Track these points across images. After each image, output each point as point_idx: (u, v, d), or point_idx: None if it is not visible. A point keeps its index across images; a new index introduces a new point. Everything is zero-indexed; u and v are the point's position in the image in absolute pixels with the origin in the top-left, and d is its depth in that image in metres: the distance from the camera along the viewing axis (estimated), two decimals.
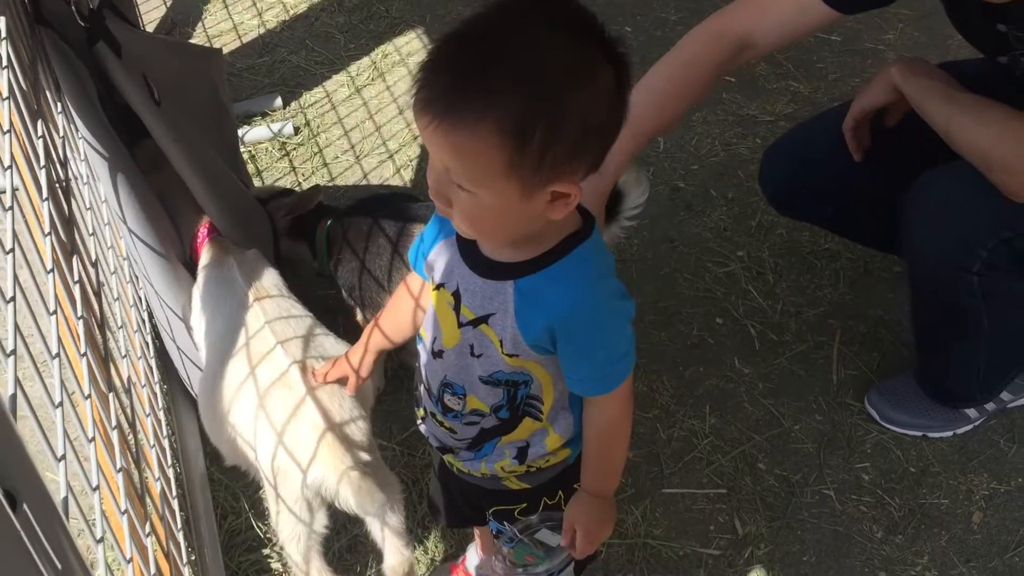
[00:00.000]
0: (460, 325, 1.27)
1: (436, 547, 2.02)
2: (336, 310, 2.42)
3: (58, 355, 1.03)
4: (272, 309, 1.79)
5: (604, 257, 1.23)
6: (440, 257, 1.31)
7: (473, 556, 1.92)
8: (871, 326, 2.44)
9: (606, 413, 1.29)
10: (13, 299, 0.88)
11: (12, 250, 0.92)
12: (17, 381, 0.83)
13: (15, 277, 0.90)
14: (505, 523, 1.46)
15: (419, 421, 1.48)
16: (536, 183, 1.06)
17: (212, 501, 2.06)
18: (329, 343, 1.78)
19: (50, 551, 0.71)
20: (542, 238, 1.18)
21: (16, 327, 0.89)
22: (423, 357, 1.39)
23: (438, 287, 1.30)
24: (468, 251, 1.24)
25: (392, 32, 3.44)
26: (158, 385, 1.94)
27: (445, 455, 1.44)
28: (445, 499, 1.62)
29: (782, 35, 1.86)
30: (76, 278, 1.29)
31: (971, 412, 2.16)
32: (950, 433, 2.18)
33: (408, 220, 2.04)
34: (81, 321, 1.24)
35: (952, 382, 2.11)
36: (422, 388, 1.42)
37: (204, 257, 2.00)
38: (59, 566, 0.72)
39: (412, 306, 1.47)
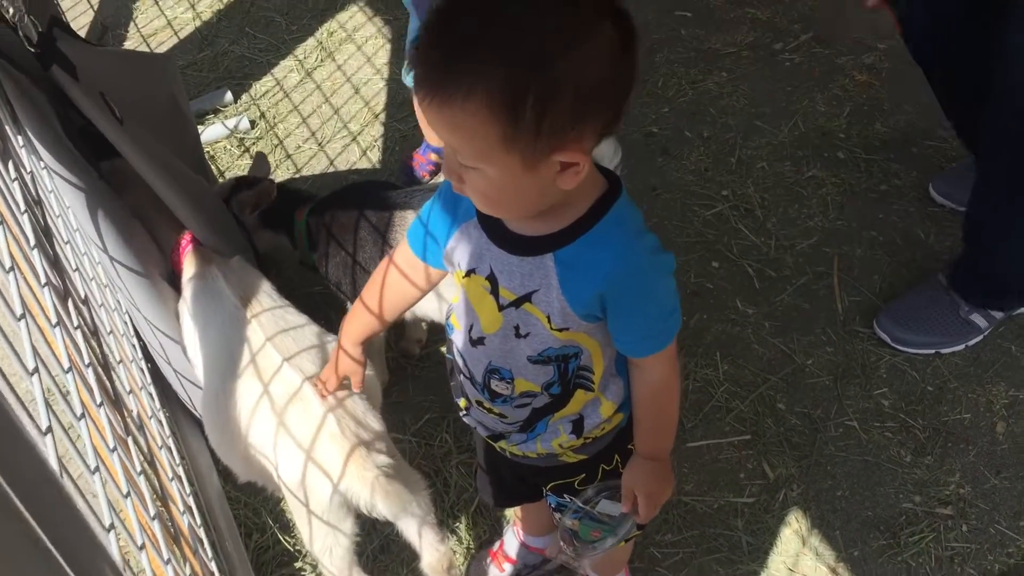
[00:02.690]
0: (501, 308, 1.21)
1: (469, 535, 1.98)
2: (326, 304, 2.35)
3: (83, 415, 0.95)
4: (270, 323, 1.72)
5: (636, 213, 1.18)
6: (462, 243, 1.24)
7: (512, 540, 1.88)
8: (867, 249, 2.43)
9: (656, 372, 1.25)
10: (36, 371, 0.80)
11: (23, 316, 0.85)
12: (58, 459, 0.76)
13: (32, 347, 0.82)
14: (567, 496, 1.43)
15: (463, 412, 1.42)
16: (538, 154, 1.00)
17: (234, 520, 1.99)
18: (334, 347, 1.71)
19: None
20: (571, 205, 1.13)
21: (44, 397, 0.82)
22: (460, 346, 1.33)
23: (468, 274, 1.24)
24: (496, 231, 1.18)
25: (334, 8, 3.32)
26: (161, 412, 1.86)
27: (496, 442, 1.39)
28: (494, 482, 1.58)
29: None
30: (76, 323, 1.21)
31: (980, 322, 2.16)
32: (962, 346, 2.17)
33: (391, 209, 1.96)
34: (90, 369, 1.16)
35: (1002, 273, 2.11)
36: (461, 378, 1.36)
37: (187, 269, 1.91)
38: None
39: (402, 281, 1.40)
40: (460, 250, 1.25)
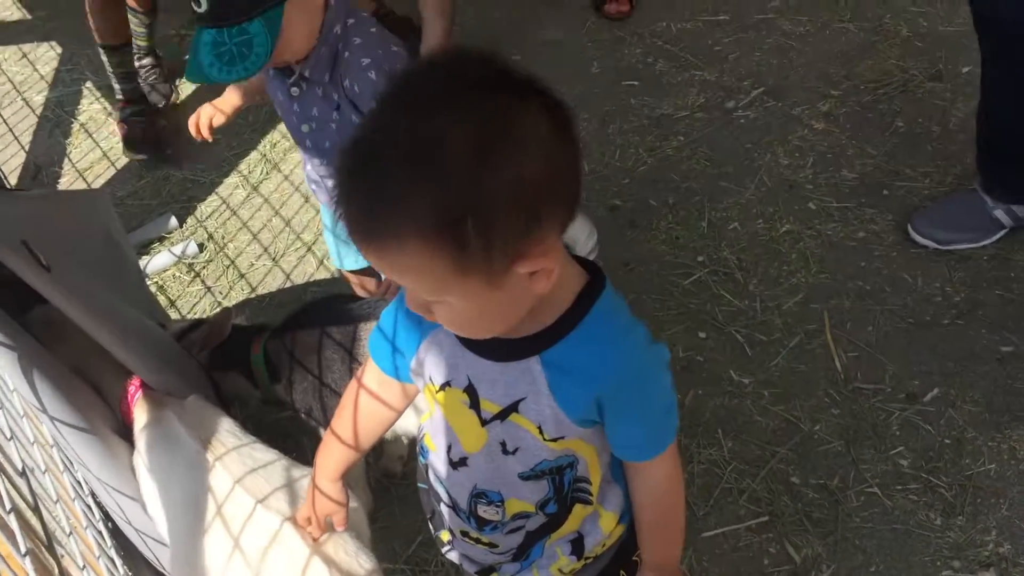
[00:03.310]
0: (484, 423, 1.08)
1: None
2: (298, 431, 2.19)
3: None
4: (236, 464, 1.56)
5: (622, 304, 1.06)
6: (433, 354, 1.11)
7: None
8: (855, 300, 2.32)
9: (659, 474, 1.13)
10: None
11: None
12: None
13: None
14: None
15: (445, 547, 1.28)
16: (498, 271, 0.87)
17: None
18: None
19: None
20: (553, 302, 1.00)
21: None
22: (439, 471, 1.19)
23: (442, 387, 1.11)
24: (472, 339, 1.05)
25: (274, 119, 3.22)
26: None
27: None
28: None
29: None
30: (8, 507, 1.05)
31: (1004, 219, 2.31)
32: (990, 240, 2.36)
33: (355, 321, 1.83)
34: (28, 559, 1.00)
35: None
36: (442, 507, 1.22)
37: (139, 418, 1.75)
38: None
39: (375, 404, 1.25)
40: (431, 361, 1.11)
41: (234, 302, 2.62)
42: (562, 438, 1.07)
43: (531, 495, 1.13)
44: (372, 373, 1.24)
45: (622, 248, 2.56)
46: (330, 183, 1.95)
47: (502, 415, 1.07)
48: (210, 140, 2.11)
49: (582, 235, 1.67)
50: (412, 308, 0.97)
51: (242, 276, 2.71)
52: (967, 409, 2.05)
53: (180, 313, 2.61)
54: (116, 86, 3.14)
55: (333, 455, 1.30)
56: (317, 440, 2.07)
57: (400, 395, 1.24)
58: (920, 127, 2.73)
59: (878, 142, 2.71)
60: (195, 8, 1.61)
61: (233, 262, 2.75)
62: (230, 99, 2.08)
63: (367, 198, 0.85)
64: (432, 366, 1.11)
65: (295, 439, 2.18)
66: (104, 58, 3.09)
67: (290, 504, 1.51)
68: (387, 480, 2.12)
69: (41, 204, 1.72)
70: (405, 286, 0.94)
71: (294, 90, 1.81)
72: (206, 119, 2.06)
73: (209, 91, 3.20)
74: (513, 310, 0.96)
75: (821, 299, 2.34)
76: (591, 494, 1.15)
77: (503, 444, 1.09)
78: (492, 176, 0.82)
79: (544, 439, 1.06)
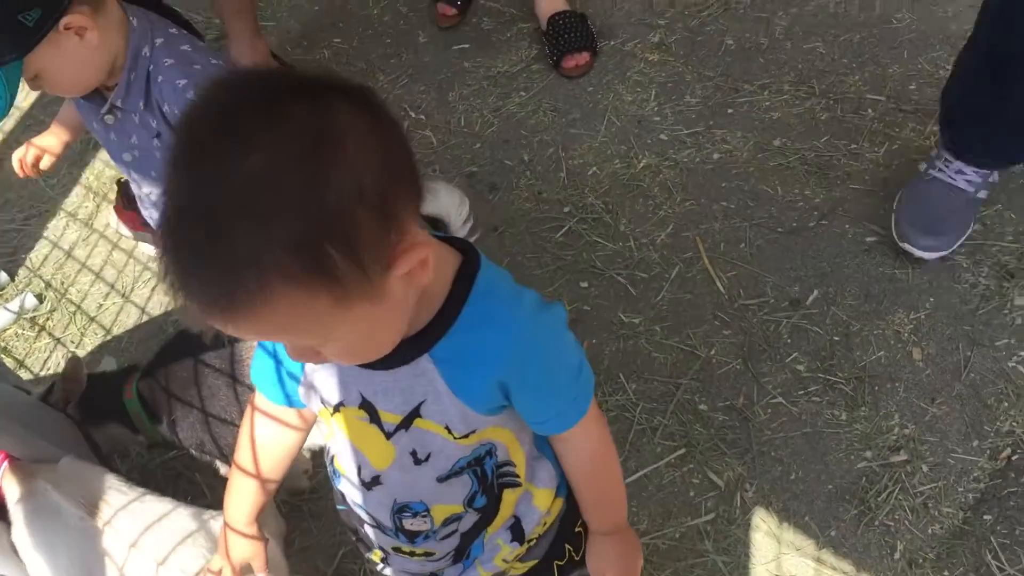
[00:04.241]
0: (389, 436, 1.01)
1: None
2: (188, 470, 2.05)
3: None
4: (129, 524, 1.43)
5: (503, 273, 1.00)
6: (319, 375, 1.02)
7: None
8: (723, 220, 2.34)
9: (587, 441, 1.08)
10: None
11: None
12: None
13: None
14: None
15: (378, 566, 1.20)
16: (377, 285, 0.79)
17: None
18: (218, 524, 1.45)
19: None
20: (430, 293, 0.93)
21: None
22: (354, 495, 1.11)
23: (336, 409, 1.03)
24: None
25: (90, 147, 2.99)
26: None
27: None
28: None
29: None
30: None
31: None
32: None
33: (230, 343, 1.71)
34: None
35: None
36: (367, 528, 1.14)
37: (9, 494, 1.59)
38: None
39: (275, 434, 1.16)
40: (319, 383, 1.03)
41: (89, 348, 2.43)
42: (473, 432, 1.00)
43: (455, 495, 1.06)
44: (263, 403, 1.14)
45: (487, 213, 2.50)
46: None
47: (405, 423, 0.99)
48: (36, 177, 1.95)
49: (453, 206, 1.59)
50: (296, 358, 0.88)
51: (92, 319, 2.51)
52: (848, 304, 2.11)
53: (32, 372, 2.40)
54: None
55: (243, 493, 1.20)
56: (211, 476, 1.96)
57: (299, 419, 1.15)
58: (749, 42, 2.77)
59: (713, 63, 2.73)
60: None
61: (79, 307, 2.55)
62: (57, 134, 1.92)
63: (213, 270, 0.73)
64: (321, 387, 1.03)
65: (187, 477, 2.05)
66: None
67: (195, 556, 1.40)
68: (295, 499, 2.01)
69: None
70: (285, 343, 0.84)
71: (108, 118, 1.68)
72: (32, 157, 1.90)
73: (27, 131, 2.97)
74: (403, 315, 0.89)
75: (691, 226, 2.35)
76: (518, 476, 1.09)
77: (413, 454, 1.02)
78: (332, 192, 0.73)
79: (455, 438, 1.00)
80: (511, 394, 0.98)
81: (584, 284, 2.28)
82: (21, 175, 1.92)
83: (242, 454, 1.17)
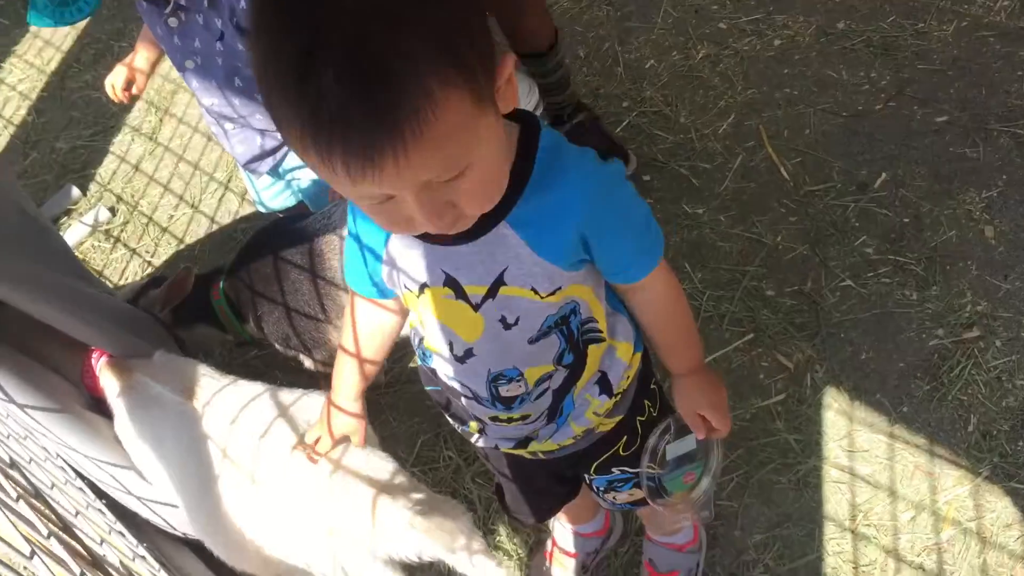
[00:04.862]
0: (476, 308, 1.04)
1: (514, 545, 1.81)
2: (268, 368, 2.13)
3: None
4: (225, 405, 1.50)
5: (561, 137, 1.01)
6: (399, 262, 1.05)
7: (563, 533, 1.71)
8: (786, 107, 2.31)
9: (659, 286, 1.11)
10: None
11: None
12: None
13: None
14: (621, 470, 1.29)
15: (475, 438, 1.24)
16: (495, 89, 0.82)
17: None
18: (307, 402, 1.51)
19: None
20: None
21: None
22: (447, 370, 1.15)
23: (422, 290, 1.05)
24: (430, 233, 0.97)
25: None
26: (141, 548, 1.62)
27: (525, 447, 1.22)
28: (530, 497, 1.41)
29: None
30: (15, 495, 0.98)
31: None
32: None
33: (308, 238, 1.75)
34: (53, 540, 0.94)
35: None
36: (463, 401, 1.18)
37: (109, 388, 1.67)
38: None
39: (376, 319, 1.20)
40: (403, 266, 1.05)
41: (163, 258, 2.50)
42: (558, 289, 1.03)
43: (545, 356, 1.10)
44: (360, 299, 1.19)
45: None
46: (228, 126, 1.82)
47: (491, 292, 1.02)
48: (128, 101, 1.94)
49: (523, 93, 1.61)
50: (431, 218, 0.84)
51: (164, 230, 2.57)
52: (917, 185, 2.08)
53: (111, 282, 2.48)
54: None
55: (348, 374, 1.25)
56: (293, 373, 2.03)
57: (395, 304, 1.19)
58: None
59: None
60: None
61: (151, 218, 2.61)
62: (143, 53, 1.90)
63: (363, 90, 0.72)
64: (406, 273, 1.05)
65: (268, 376, 2.11)
66: None
67: (291, 431, 1.47)
68: (373, 393, 2.07)
69: None
70: (436, 174, 0.80)
71: (172, 21, 1.67)
72: (123, 81, 1.89)
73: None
74: (508, 150, 0.93)
75: (753, 115, 2.32)
76: (600, 331, 1.12)
77: (503, 320, 1.04)
78: (456, 1, 0.76)
79: (541, 297, 1.03)
80: (591, 246, 1.01)
81: (647, 177, 2.28)
82: (116, 100, 1.92)
83: (346, 339, 1.22)
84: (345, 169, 0.75)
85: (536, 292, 1.02)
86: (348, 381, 1.24)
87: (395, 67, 0.72)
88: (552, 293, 1.03)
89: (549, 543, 1.75)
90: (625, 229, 1.03)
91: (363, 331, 1.22)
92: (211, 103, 1.79)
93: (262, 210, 2.08)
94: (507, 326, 1.05)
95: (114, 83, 1.89)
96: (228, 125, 1.83)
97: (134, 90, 1.91)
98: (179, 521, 1.69)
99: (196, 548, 1.76)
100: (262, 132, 1.80)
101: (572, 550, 1.71)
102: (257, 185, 1.98)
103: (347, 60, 0.71)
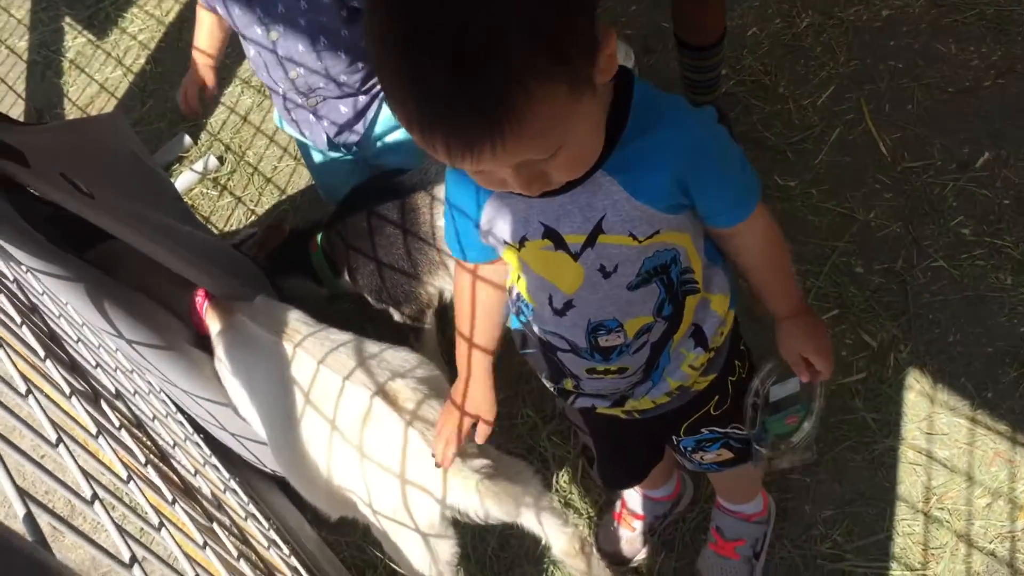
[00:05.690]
0: (576, 257, 1.07)
1: (585, 503, 1.86)
2: (359, 321, 2.21)
3: (161, 524, 0.82)
4: (316, 346, 1.58)
5: (652, 86, 1.04)
6: (497, 218, 1.09)
7: (634, 496, 1.76)
8: (889, 80, 2.26)
9: (759, 230, 1.13)
10: (95, 496, 0.66)
11: (60, 440, 0.71)
12: None
13: (82, 470, 0.68)
14: (751, 415, 1.30)
15: (571, 397, 1.28)
16: (586, 72, 0.85)
17: (343, 565, 1.88)
18: (390, 355, 1.58)
19: None
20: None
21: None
22: (547, 323, 1.18)
23: (521, 244, 1.09)
24: None
25: None
26: (232, 481, 1.73)
27: (622, 406, 1.25)
28: (622, 461, 1.46)
29: None
30: (118, 424, 1.07)
31: None
32: None
33: (403, 194, 1.81)
34: (150, 468, 1.03)
35: None
36: (559, 356, 1.22)
37: (212, 326, 1.78)
38: None
39: (488, 292, 1.25)
40: (499, 224, 1.09)
41: (266, 207, 2.61)
42: (656, 232, 1.05)
43: (646, 306, 1.12)
44: (466, 267, 1.23)
45: (644, 74, 2.49)
46: (312, 102, 1.82)
47: (590, 241, 1.05)
48: (201, 111, 1.98)
49: (619, 57, 1.62)
50: (525, 190, 0.92)
51: (268, 180, 2.68)
52: (1021, 167, 2.02)
53: (217, 228, 2.61)
54: None
55: (473, 357, 1.29)
56: (380, 325, 2.10)
57: (505, 271, 1.23)
58: None
59: None
60: None
61: (256, 168, 2.73)
62: (203, 62, 1.94)
63: (464, 81, 0.77)
64: (503, 230, 1.09)
65: (358, 327, 2.20)
66: None
67: (372, 379, 1.54)
68: (448, 355, 2.14)
69: (66, 134, 1.69)
70: (532, 155, 0.86)
71: None
72: (194, 92, 1.93)
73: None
74: (604, 115, 0.96)
75: (855, 87, 2.28)
76: (697, 282, 1.14)
77: (602, 269, 1.07)
78: None
79: (639, 242, 1.05)
80: (689, 189, 1.03)
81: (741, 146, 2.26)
82: (189, 114, 1.97)
83: (462, 316, 1.27)
84: (446, 150, 0.82)
85: (634, 237, 1.05)
86: (473, 361, 1.28)
87: (496, 59, 0.76)
88: (650, 236, 1.05)
89: (619, 504, 1.79)
90: (722, 171, 1.05)
91: (480, 305, 1.26)
92: (296, 74, 1.78)
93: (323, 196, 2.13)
94: (606, 274, 1.08)
95: (186, 96, 1.91)
96: (312, 101, 1.83)
97: (207, 96, 1.94)
98: (268, 459, 1.79)
99: (283, 485, 1.87)
100: (351, 95, 1.81)
101: (641, 512, 1.75)
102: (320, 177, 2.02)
103: (452, 48, 0.76)
